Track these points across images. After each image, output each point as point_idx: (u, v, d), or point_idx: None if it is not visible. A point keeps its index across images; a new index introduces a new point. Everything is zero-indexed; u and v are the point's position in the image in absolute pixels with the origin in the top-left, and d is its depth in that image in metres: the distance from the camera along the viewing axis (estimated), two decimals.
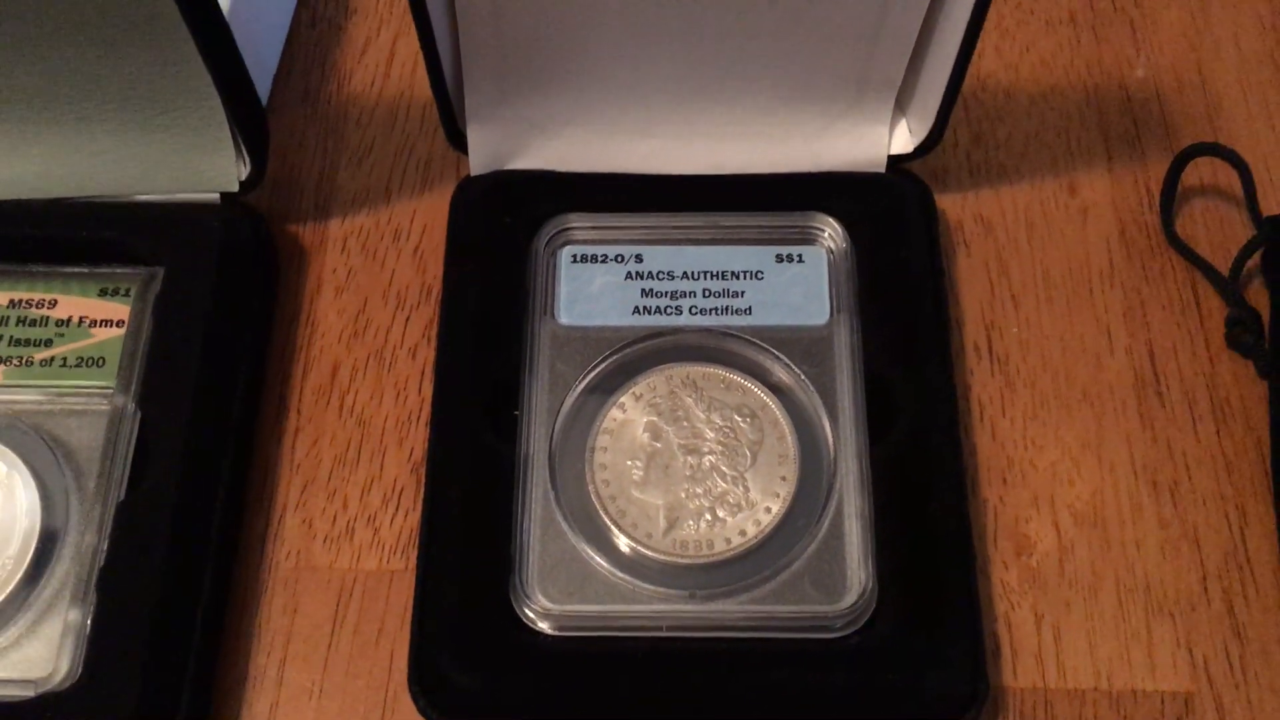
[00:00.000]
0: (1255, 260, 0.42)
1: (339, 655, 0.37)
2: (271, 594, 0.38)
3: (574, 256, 0.40)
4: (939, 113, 0.40)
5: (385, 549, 0.38)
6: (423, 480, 0.38)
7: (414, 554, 0.37)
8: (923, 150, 0.42)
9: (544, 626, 0.35)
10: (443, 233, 0.42)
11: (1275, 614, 0.37)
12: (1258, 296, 0.42)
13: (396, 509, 0.39)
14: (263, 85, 0.45)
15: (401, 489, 0.39)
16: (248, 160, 0.40)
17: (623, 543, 0.36)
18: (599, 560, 0.36)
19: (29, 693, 0.34)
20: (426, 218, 0.44)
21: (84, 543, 0.36)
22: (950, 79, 0.39)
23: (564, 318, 0.39)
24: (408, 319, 0.42)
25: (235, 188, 0.41)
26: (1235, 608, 0.37)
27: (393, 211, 0.44)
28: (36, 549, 0.35)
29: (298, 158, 0.45)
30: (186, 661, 0.35)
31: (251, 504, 0.39)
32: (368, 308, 0.42)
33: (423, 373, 0.41)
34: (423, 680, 0.35)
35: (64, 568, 0.35)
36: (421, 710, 0.35)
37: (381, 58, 0.47)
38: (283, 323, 0.42)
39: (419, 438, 0.40)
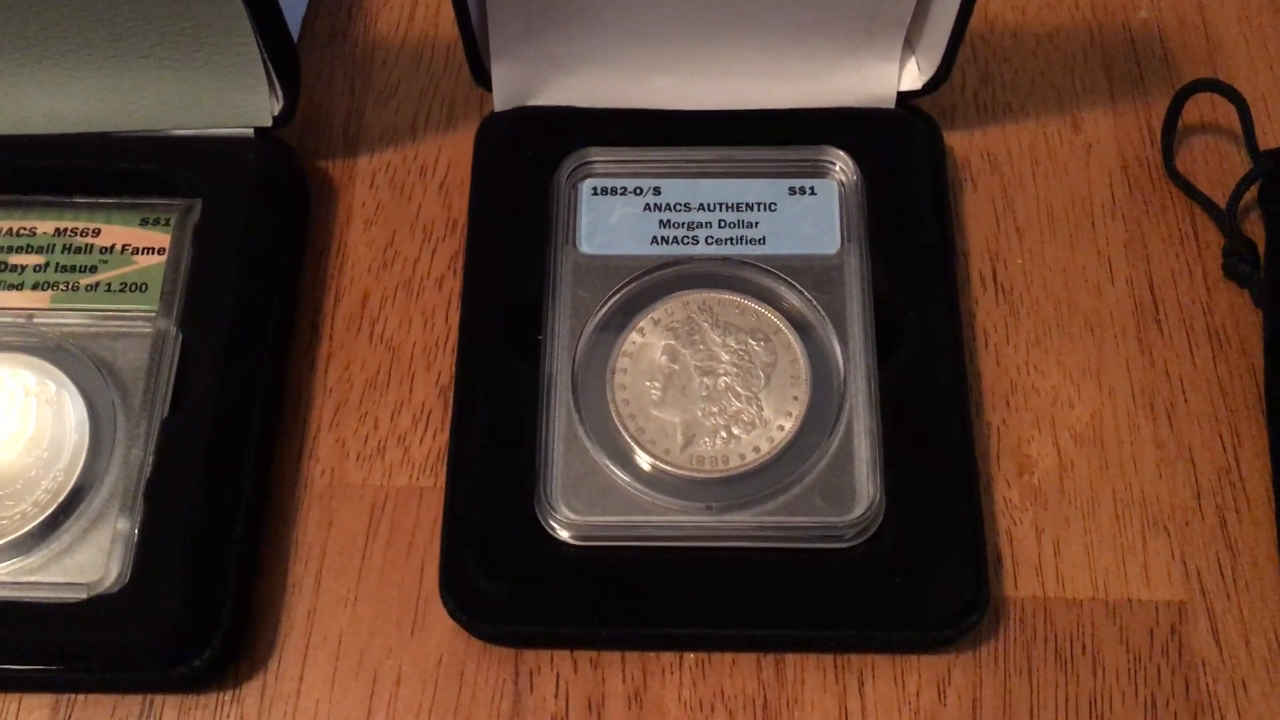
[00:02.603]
0: (1252, 193, 0.43)
1: (372, 565, 0.39)
2: (308, 508, 0.40)
3: (594, 189, 0.42)
4: (946, 50, 0.42)
5: (415, 467, 0.40)
6: (450, 403, 0.40)
7: (442, 472, 0.39)
8: (931, 87, 0.43)
9: (567, 536, 0.37)
10: (467, 169, 0.44)
11: (1266, 528, 0.39)
12: (1254, 228, 0.43)
13: (425, 430, 0.41)
14: (292, 25, 0.46)
15: (430, 411, 0.41)
16: (280, 96, 0.42)
17: (642, 459, 0.38)
18: (620, 475, 0.38)
19: (81, 595, 0.36)
20: (451, 154, 0.45)
21: (130, 457, 0.37)
22: (958, 17, 0.40)
23: (585, 247, 0.41)
24: (434, 251, 0.44)
25: (269, 123, 0.42)
26: (1228, 522, 0.39)
27: (419, 148, 0.45)
28: (85, 461, 0.37)
29: (326, 96, 0.47)
30: (228, 568, 0.37)
31: (287, 424, 0.41)
32: (395, 240, 0.44)
33: (449, 302, 0.43)
34: (453, 587, 0.37)
35: (112, 479, 0.37)
36: (452, 614, 0.37)
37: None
38: (313, 254, 0.44)
39: (446, 363, 0.42)
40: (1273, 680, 0.37)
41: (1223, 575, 0.38)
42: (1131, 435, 0.40)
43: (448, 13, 0.47)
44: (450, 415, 0.39)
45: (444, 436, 0.40)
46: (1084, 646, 0.37)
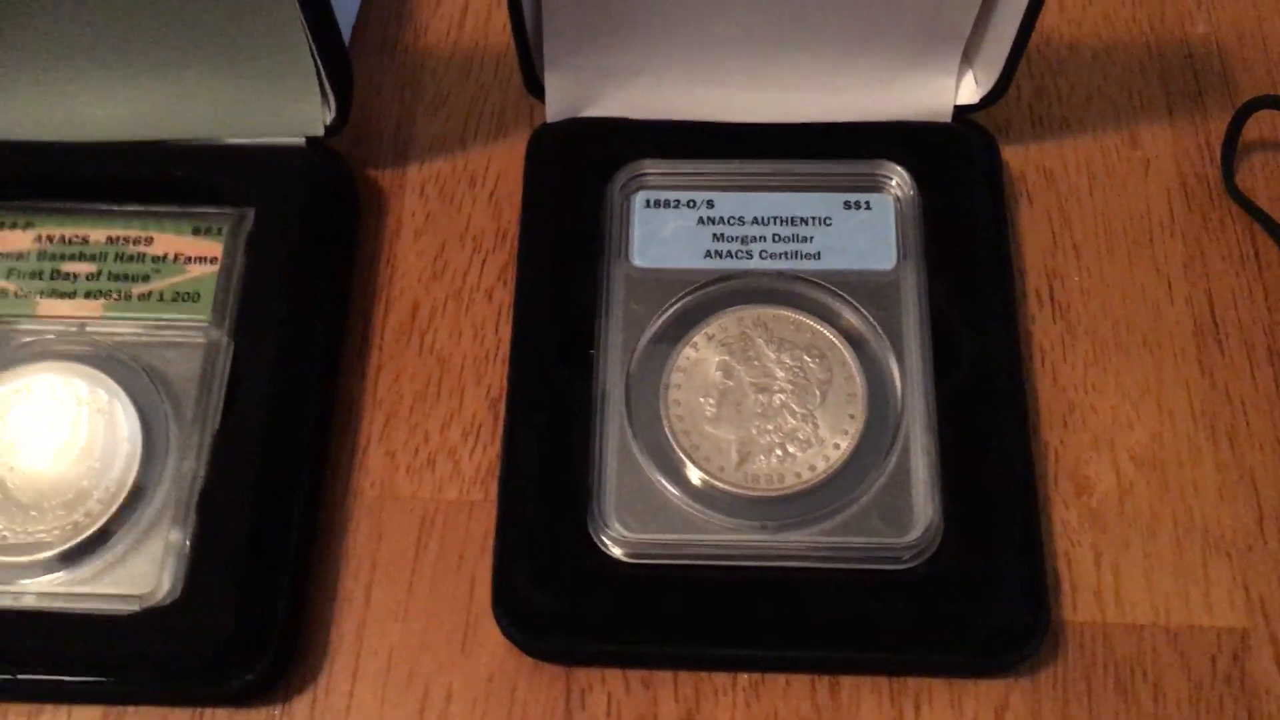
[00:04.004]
0: None
1: (422, 579, 0.38)
2: (358, 521, 0.39)
3: (647, 201, 0.41)
4: (1005, 65, 0.41)
5: (465, 480, 0.40)
6: (501, 416, 0.40)
7: (493, 485, 0.39)
8: (988, 101, 0.42)
9: (619, 553, 0.37)
10: (517, 179, 0.44)
11: None
12: None
13: (475, 442, 0.40)
14: (343, 33, 0.47)
15: (480, 424, 0.41)
16: (333, 106, 0.42)
17: (695, 475, 0.38)
18: (673, 491, 0.37)
19: (134, 607, 0.35)
20: (501, 164, 0.45)
21: (183, 468, 0.37)
22: (1019, 31, 0.40)
23: (638, 260, 0.41)
24: (484, 262, 0.43)
25: (320, 132, 0.42)
26: None
27: (468, 158, 0.45)
28: (138, 472, 0.37)
29: (375, 106, 0.46)
30: (280, 581, 0.37)
31: (337, 436, 0.40)
32: (445, 250, 0.43)
33: (499, 314, 0.42)
34: (505, 603, 0.36)
35: (164, 491, 0.37)
36: (504, 630, 0.36)
37: (456, 9, 0.48)
38: (363, 264, 0.43)
39: (496, 375, 0.41)
40: None
41: None
42: (1193, 457, 0.40)
43: (497, 22, 0.47)
44: (501, 428, 0.39)
45: (494, 450, 0.40)
46: (1145, 673, 0.37)
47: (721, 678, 0.37)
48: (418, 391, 0.41)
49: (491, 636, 0.37)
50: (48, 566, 0.36)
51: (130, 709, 0.37)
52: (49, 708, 0.37)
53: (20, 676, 0.35)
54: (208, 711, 0.37)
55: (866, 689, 0.37)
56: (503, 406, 0.40)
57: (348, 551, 0.39)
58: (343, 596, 0.38)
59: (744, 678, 0.37)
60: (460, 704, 0.37)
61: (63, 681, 0.36)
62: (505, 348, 0.41)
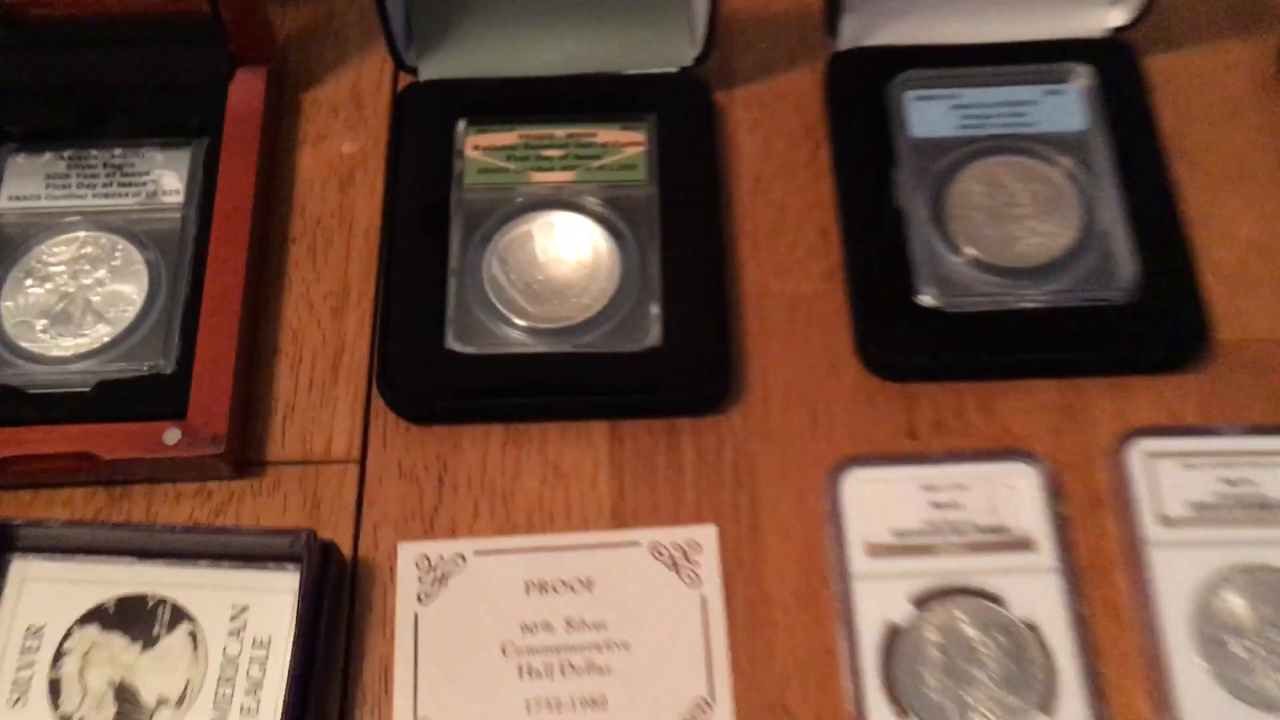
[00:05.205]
0: None
1: (795, 338, 0.59)
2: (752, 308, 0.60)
3: (916, 96, 0.63)
4: None
5: (815, 278, 0.60)
6: (838, 230, 0.60)
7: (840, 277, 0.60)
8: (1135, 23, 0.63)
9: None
10: (815, 93, 0.64)
11: None
12: None
13: (825, 249, 0.61)
14: None
15: (829, 235, 0.61)
16: (700, 42, 0.62)
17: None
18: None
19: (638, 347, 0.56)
20: (803, 84, 0.66)
21: (649, 268, 0.58)
22: None
23: (915, 133, 0.62)
24: (798, 145, 0.64)
25: (690, 63, 0.63)
26: None
27: (777, 80, 0.66)
28: (620, 274, 0.58)
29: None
30: (730, 342, 0.57)
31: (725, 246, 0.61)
32: (770, 140, 0.64)
33: (816, 178, 0.63)
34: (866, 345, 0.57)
35: (635, 283, 0.58)
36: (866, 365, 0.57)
37: None
38: (720, 147, 0.64)
39: (829, 214, 0.62)
40: None
41: None
42: None
43: None
44: (841, 235, 0.60)
45: (836, 255, 0.60)
46: None
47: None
48: (769, 227, 0.62)
49: (853, 368, 0.58)
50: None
51: (629, 422, 0.57)
52: (576, 424, 0.57)
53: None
54: (678, 420, 0.57)
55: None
56: (840, 221, 0.60)
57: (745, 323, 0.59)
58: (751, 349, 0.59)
59: None
60: (832, 414, 0.57)
61: (597, 400, 0.56)
62: (832, 194, 0.62)
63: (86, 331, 0.57)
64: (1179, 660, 0.51)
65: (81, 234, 0.60)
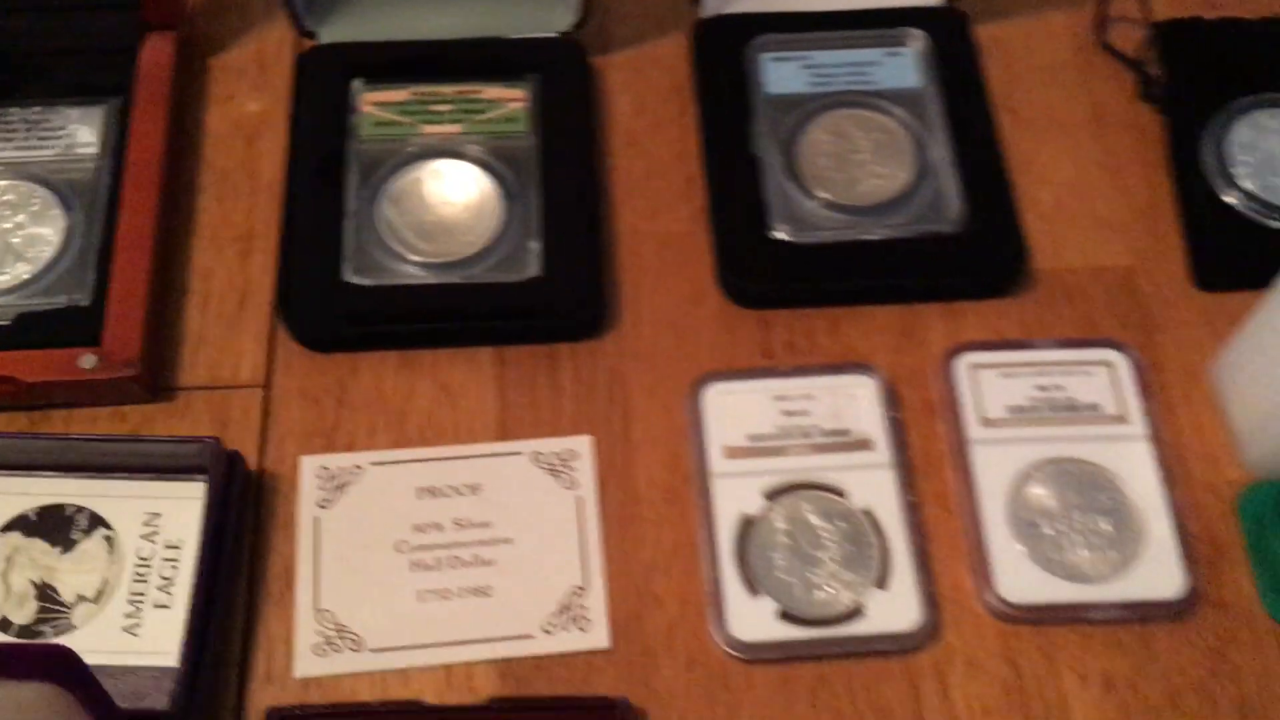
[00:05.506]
0: None
1: (667, 271, 0.65)
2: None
3: (772, 57, 0.69)
4: None
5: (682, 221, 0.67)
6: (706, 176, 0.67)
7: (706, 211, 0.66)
8: None
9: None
10: (682, 56, 0.71)
11: None
12: None
13: (691, 194, 0.67)
14: None
15: (696, 192, 0.67)
16: (578, 10, 0.69)
17: None
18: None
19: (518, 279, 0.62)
20: (672, 48, 0.72)
21: (528, 210, 0.64)
22: None
23: (770, 90, 0.68)
24: (668, 103, 0.70)
25: (569, 28, 0.69)
26: None
27: (650, 46, 0.72)
28: (501, 216, 0.64)
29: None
30: (602, 273, 0.63)
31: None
32: (645, 98, 0.71)
33: (686, 130, 0.69)
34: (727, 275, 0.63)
35: (516, 224, 0.64)
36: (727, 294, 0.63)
37: None
38: (596, 103, 0.70)
39: (696, 167, 0.68)
40: None
41: None
42: None
43: None
44: (705, 182, 0.66)
45: (701, 199, 0.67)
46: None
47: None
48: (645, 172, 0.68)
49: (715, 296, 0.64)
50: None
51: (512, 347, 0.62)
52: (465, 350, 0.62)
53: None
54: (558, 345, 0.63)
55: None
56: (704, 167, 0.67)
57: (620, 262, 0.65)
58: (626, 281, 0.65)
59: None
60: (703, 337, 0.63)
61: (483, 326, 0.62)
62: (697, 142, 0.68)
63: (6, 270, 0.62)
64: (997, 540, 0.58)
65: (1, 183, 0.65)
